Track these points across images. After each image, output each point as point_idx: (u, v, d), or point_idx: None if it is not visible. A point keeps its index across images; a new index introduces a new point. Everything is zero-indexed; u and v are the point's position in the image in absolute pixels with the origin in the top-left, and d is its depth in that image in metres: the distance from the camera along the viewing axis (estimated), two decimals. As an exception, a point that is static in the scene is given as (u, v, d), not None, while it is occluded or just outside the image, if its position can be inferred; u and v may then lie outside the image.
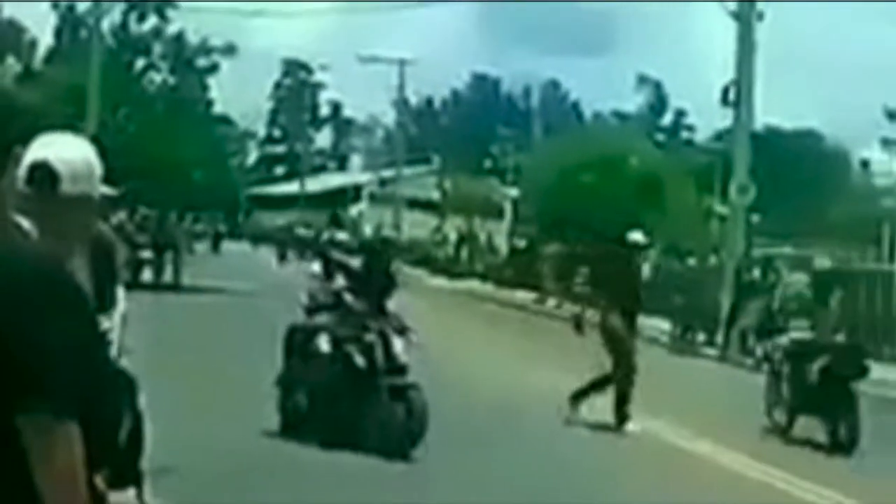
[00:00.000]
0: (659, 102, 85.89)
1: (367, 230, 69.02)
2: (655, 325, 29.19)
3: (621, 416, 13.66)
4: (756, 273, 26.40)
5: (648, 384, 13.90)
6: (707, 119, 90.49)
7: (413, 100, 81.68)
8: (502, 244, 51.97)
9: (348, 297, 11.86)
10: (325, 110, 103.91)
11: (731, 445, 12.28)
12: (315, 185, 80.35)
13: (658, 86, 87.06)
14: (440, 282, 46.92)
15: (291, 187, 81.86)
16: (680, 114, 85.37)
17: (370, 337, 11.31)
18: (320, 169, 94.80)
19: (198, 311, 24.90)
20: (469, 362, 18.41)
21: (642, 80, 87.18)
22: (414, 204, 60.17)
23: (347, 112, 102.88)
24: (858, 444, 11.97)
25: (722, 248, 31.93)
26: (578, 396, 14.02)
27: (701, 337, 26.67)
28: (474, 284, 41.32)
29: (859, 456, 12.28)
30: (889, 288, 26.51)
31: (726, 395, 17.41)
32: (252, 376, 14.57)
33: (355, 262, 12.59)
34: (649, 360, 24.77)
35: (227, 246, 55.27)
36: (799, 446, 12.69)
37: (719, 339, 25.62)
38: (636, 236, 15.23)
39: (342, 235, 14.20)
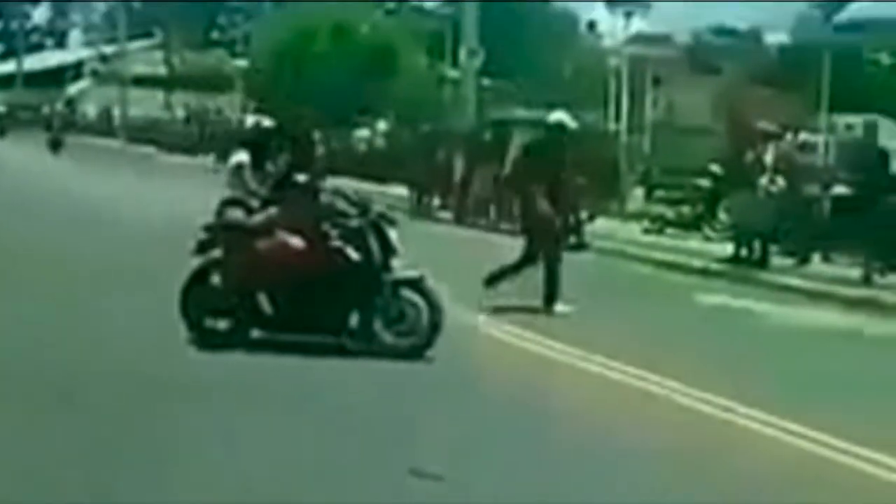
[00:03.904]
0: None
1: (91, 109, 66.51)
2: (394, 192, 28.99)
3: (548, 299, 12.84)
4: (488, 136, 26.33)
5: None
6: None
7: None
8: (233, 118, 50.73)
9: (318, 183, 10.81)
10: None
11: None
12: (34, 63, 76.84)
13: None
14: (177, 158, 45.45)
15: (8, 66, 78.15)
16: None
17: (360, 227, 9.97)
18: (38, 47, 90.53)
19: None
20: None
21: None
22: (140, 81, 58.00)
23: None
24: None
25: (454, 114, 31.86)
26: (492, 280, 12.93)
27: (436, 202, 26.50)
28: (209, 160, 40.16)
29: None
30: (615, 147, 26.90)
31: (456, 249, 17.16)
32: None
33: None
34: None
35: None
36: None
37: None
38: (559, 116, 13.35)
39: (268, 122, 13.41)
